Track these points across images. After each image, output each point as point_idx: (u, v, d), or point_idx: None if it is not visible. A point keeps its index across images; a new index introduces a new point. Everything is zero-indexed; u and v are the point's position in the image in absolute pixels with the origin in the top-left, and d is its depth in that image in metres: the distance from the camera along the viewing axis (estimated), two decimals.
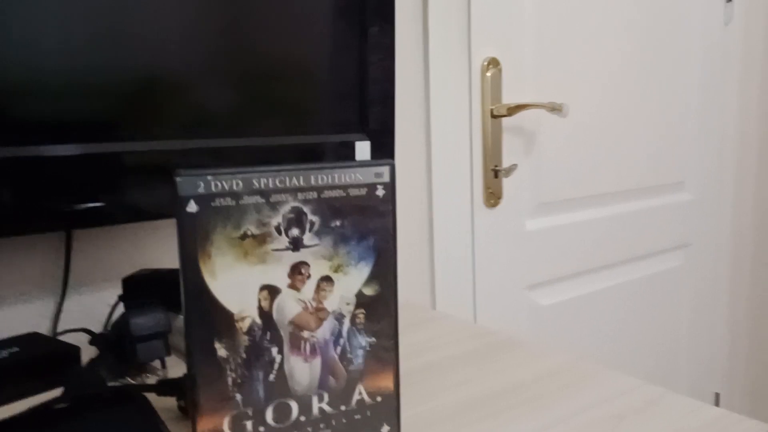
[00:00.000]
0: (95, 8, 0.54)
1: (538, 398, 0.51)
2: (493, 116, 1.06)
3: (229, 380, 0.38)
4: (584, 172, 1.24)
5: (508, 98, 1.09)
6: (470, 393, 0.52)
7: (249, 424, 0.39)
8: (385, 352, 0.43)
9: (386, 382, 0.43)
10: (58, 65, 0.53)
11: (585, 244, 1.26)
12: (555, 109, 1.04)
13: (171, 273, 0.65)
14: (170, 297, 0.61)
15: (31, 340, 0.62)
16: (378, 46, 0.74)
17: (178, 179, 0.35)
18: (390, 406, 0.44)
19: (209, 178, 0.36)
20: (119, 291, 0.72)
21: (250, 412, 0.39)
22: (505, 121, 1.09)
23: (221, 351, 0.38)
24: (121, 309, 0.68)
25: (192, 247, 0.36)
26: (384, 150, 0.77)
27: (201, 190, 0.36)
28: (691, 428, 0.45)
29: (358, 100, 0.73)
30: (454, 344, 0.63)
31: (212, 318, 0.37)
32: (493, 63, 1.06)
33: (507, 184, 1.11)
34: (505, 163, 1.10)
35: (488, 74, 1.05)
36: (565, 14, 1.16)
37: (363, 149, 0.75)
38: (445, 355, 0.60)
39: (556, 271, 1.23)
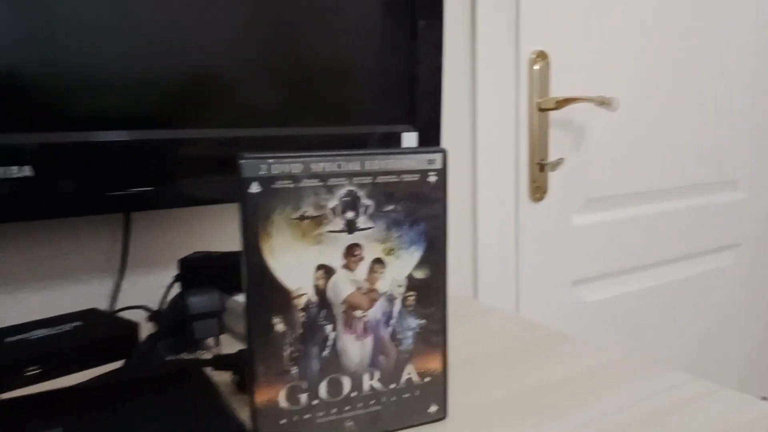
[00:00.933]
0: (153, 8, 0.56)
1: (586, 392, 0.51)
2: (541, 110, 1.06)
3: (286, 354, 0.40)
4: (634, 168, 1.22)
5: (556, 92, 1.08)
6: (517, 384, 0.52)
7: (304, 397, 0.41)
8: (434, 334, 0.44)
9: (435, 364, 0.45)
10: (121, 61, 0.55)
11: (633, 241, 1.25)
12: (604, 102, 1.03)
13: (224, 256, 0.68)
14: (223, 279, 0.63)
15: (92, 315, 0.65)
16: (426, 40, 0.75)
17: (242, 162, 0.37)
18: (438, 388, 0.45)
19: (271, 161, 0.38)
20: (174, 272, 0.75)
21: (304, 385, 0.41)
22: (553, 115, 1.09)
23: (279, 326, 0.39)
24: (177, 289, 0.71)
25: (254, 226, 0.38)
26: (430, 142, 0.78)
27: (263, 172, 0.38)
28: (741, 423, 0.45)
29: (406, 93, 0.74)
30: (501, 337, 0.64)
31: (271, 294, 0.39)
32: (541, 56, 1.06)
33: (553, 178, 1.11)
34: (552, 157, 1.10)
35: (536, 67, 1.05)
36: (617, 6, 1.14)
37: (409, 141, 0.76)
38: (493, 347, 0.61)
39: (603, 267, 1.22)
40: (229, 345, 0.62)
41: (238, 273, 0.61)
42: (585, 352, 0.59)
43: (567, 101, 1.05)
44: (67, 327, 0.61)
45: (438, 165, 0.42)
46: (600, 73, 1.14)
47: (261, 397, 0.40)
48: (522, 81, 1.05)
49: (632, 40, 1.17)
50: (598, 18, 1.12)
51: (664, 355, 1.36)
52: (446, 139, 0.99)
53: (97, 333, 0.60)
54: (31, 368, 0.54)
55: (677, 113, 1.27)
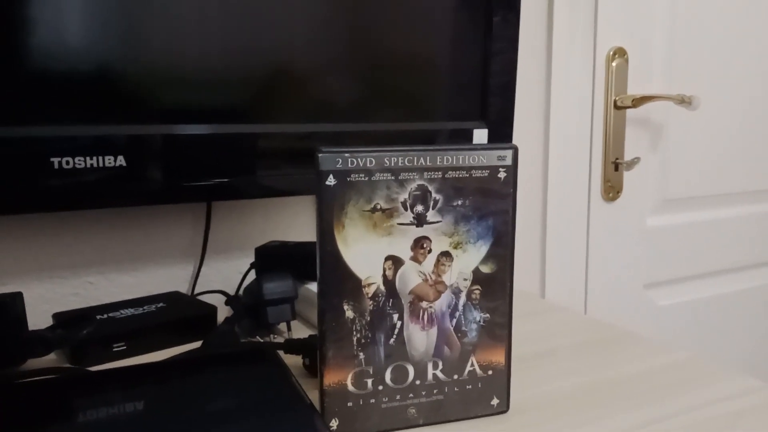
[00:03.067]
0: (234, 7, 0.59)
1: (652, 391, 0.50)
2: (617, 107, 1.04)
3: (354, 340, 0.42)
4: (713, 169, 1.18)
5: (634, 89, 1.06)
6: (581, 381, 0.53)
7: (369, 382, 0.43)
8: (499, 328, 0.45)
9: (498, 357, 0.46)
10: (205, 58, 0.58)
11: (711, 245, 1.21)
12: (684, 101, 1.00)
13: (298, 246, 0.70)
14: (297, 267, 0.66)
15: (174, 297, 0.69)
16: (502, 35, 0.75)
17: (319, 155, 0.39)
18: (501, 381, 0.46)
19: (347, 155, 0.39)
20: (250, 260, 0.79)
21: (371, 370, 0.42)
22: (630, 113, 1.07)
23: (349, 312, 0.41)
24: (252, 276, 0.74)
25: (329, 216, 0.40)
26: (501, 139, 0.78)
27: (339, 165, 0.40)
28: None
29: (478, 90, 0.75)
30: (567, 335, 0.64)
31: (342, 281, 0.41)
32: (620, 53, 1.03)
33: (628, 177, 1.09)
34: (628, 156, 1.07)
35: (614, 64, 1.03)
36: (698, 2, 1.10)
37: (481, 137, 0.76)
38: (558, 344, 0.61)
39: (677, 271, 1.18)
40: (300, 330, 0.65)
41: (311, 262, 0.64)
42: (653, 352, 0.58)
43: (645, 99, 1.03)
44: (152, 307, 0.65)
45: (508, 161, 0.43)
46: (680, 70, 1.11)
47: (330, 379, 0.42)
48: (599, 78, 1.03)
49: (714, 37, 1.13)
50: (679, 14, 1.09)
51: (737, 364, 1.31)
52: (518, 136, 0.98)
53: (178, 314, 0.64)
54: (118, 344, 0.59)
55: (759, 113, 1.22)
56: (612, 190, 1.07)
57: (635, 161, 1.05)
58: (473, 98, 0.75)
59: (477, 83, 0.74)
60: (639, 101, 1.03)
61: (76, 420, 0.39)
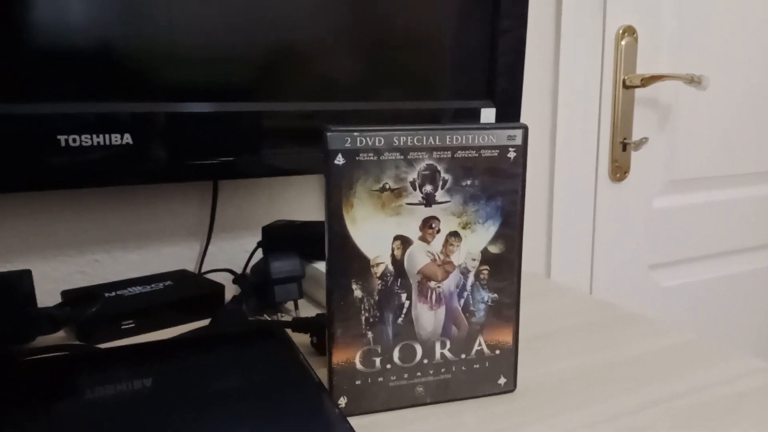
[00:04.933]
0: None
1: (657, 371, 0.51)
2: (626, 87, 1.03)
3: (363, 319, 0.42)
4: (722, 150, 1.17)
5: (643, 68, 1.05)
6: (586, 361, 0.53)
7: (378, 361, 0.43)
8: (507, 308, 0.45)
9: (506, 337, 0.46)
10: (209, 36, 0.58)
11: (717, 226, 1.20)
12: (693, 81, 0.99)
13: (304, 225, 0.70)
14: (303, 246, 0.66)
15: (181, 276, 0.69)
16: (510, 14, 0.74)
17: (328, 134, 0.39)
18: (508, 360, 0.46)
19: (356, 134, 0.39)
20: (256, 239, 0.79)
21: (379, 349, 0.43)
22: (638, 93, 1.06)
23: (357, 292, 0.41)
24: (259, 255, 0.74)
25: (337, 196, 0.40)
26: (509, 118, 0.77)
27: (348, 144, 0.39)
28: None
29: (486, 69, 0.74)
30: (573, 315, 0.64)
31: (351, 261, 0.41)
32: (629, 31, 1.02)
33: (636, 158, 1.08)
34: (636, 136, 1.07)
35: (623, 43, 1.02)
36: None
37: (488, 116, 0.76)
38: (564, 324, 0.61)
39: (683, 252, 1.18)
40: (307, 309, 0.65)
41: (318, 241, 0.64)
42: (658, 333, 0.58)
43: (654, 78, 1.02)
44: (160, 285, 0.65)
45: (518, 141, 0.43)
46: (689, 50, 1.09)
47: (338, 357, 0.42)
48: (607, 57, 1.02)
49: (724, 16, 1.12)
50: None
51: (742, 346, 1.31)
52: (525, 114, 0.98)
53: (186, 292, 0.64)
54: (126, 322, 0.59)
55: None
56: (619, 170, 1.06)
57: (643, 141, 1.05)
58: (481, 77, 0.74)
59: (485, 62, 0.74)
60: (648, 80, 1.02)
61: (84, 396, 0.39)
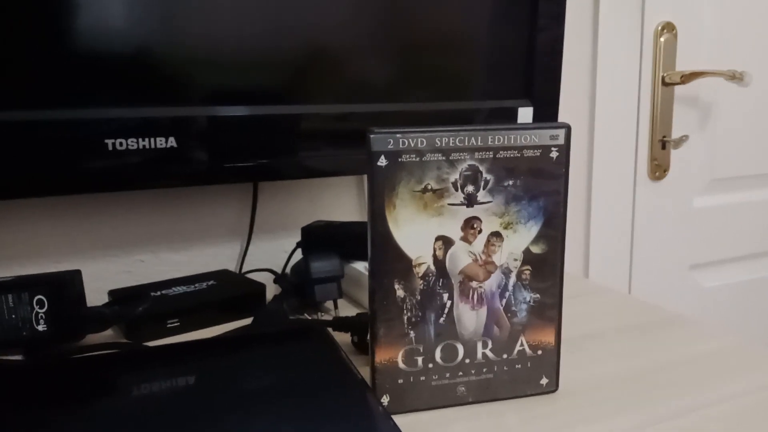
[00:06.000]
0: None
1: (700, 375, 0.50)
2: (665, 84, 1.02)
3: (405, 318, 0.42)
4: (764, 148, 1.14)
5: (683, 65, 1.03)
6: (629, 364, 0.52)
7: (420, 360, 0.43)
8: (549, 309, 0.45)
9: (548, 338, 0.46)
10: (249, 41, 0.59)
11: (758, 226, 1.17)
12: (735, 77, 0.97)
13: (343, 225, 0.71)
14: (342, 246, 0.67)
15: (224, 275, 0.71)
16: (547, 12, 0.73)
17: (371, 136, 0.39)
18: (550, 361, 0.46)
19: (398, 136, 0.40)
20: (295, 239, 0.80)
21: (421, 348, 0.43)
22: (678, 90, 1.04)
23: (400, 291, 0.42)
24: (298, 255, 0.75)
25: (380, 197, 0.40)
26: (547, 116, 0.77)
27: (390, 146, 0.40)
28: None
29: (523, 67, 0.74)
30: (614, 316, 0.63)
31: (393, 261, 0.41)
32: (668, 28, 1.01)
33: (675, 156, 1.06)
34: (675, 134, 1.05)
35: (662, 39, 1.00)
36: None
37: (526, 116, 0.75)
38: (606, 326, 0.61)
39: (724, 252, 1.16)
40: (346, 309, 0.66)
41: (356, 241, 0.65)
42: (702, 336, 0.57)
43: (694, 75, 1.00)
44: (203, 285, 0.67)
45: (561, 141, 0.43)
46: (730, 46, 1.07)
47: (381, 356, 0.43)
48: (646, 53, 1.00)
49: (764, 11, 1.09)
50: None
51: None
52: (563, 113, 0.97)
53: (228, 292, 0.65)
54: (171, 321, 0.60)
55: None
56: (659, 168, 1.04)
57: (683, 139, 1.03)
58: (518, 76, 0.74)
59: (522, 61, 0.73)
60: (688, 77, 1.00)
61: (133, 394, 0.41)
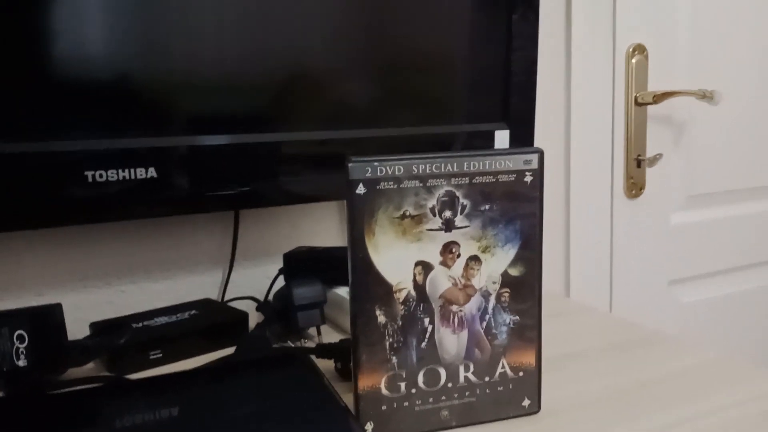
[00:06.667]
0: (247, 12, 0.60)
1: (681, 392, 0.51)
2: (638, 104, 1.04)
3: (387, 344, 0.43)
4: (737, 164, 1.17)
5: (655, 86, 1.06)
6: (610, 382, 0.53)
7: (403, 385, 0.43)
8: (529, 330, 0.46)
9: (528, 359, 0.46)
10: (225, 70, 0.60)
11: (734, 241, 1.20)
12: (705, 96, 0.99)
13: (325, 251, 0.71)
14: (324, 272, 0.67)
15: (206, 305, 0.71)
16: (521, 35, 0.75)
17: (350, 165, 0.40)
18: (531, 382, 0.46)
19: (376, 164, 0.40)
20: (278, 265, 0.80)
21: (404, 374, 0.43)
22: (651, 109, 1.06)
23: (381, 317, 0.42)
24: (280, 282, 0.76)
25: (360, 224, 0.41)
26: (523, 138, 0.78)
27: (369, 174, 0.40)
28: None
29: (499, 90, 0.75)
30: (595, 335, 0.64)
31: (374, 287, 0.42)
32: (639, 49, 1.03)
33: (651, 174, 1.08)
34: (650, 153, 1.07)
35: (633, 60, 1.03)
36: None
37: (502, 138, 0.77)
38: (587, 345, 0.61)
39: (702, 267, 1.17)
40: (330, 335, 0.66)
41: (339, 267, 0.65)
42: (682, 353, 0.58)
43: (666, 95, 1.02)
44: (185, 315, 0.67)
45: (534, 165, 0.44)
46: (700, 66, 1.10)
47: (364, 383, 0.43)
48: (619, 75, 1.03)
49: (734, 31, 1.12)
50: (698, 8, 1.08)
51: (764, 360, 1.29)
52: (539, 134, 0.99)
53: (211, 321, 0.65)
54: (154, 352, 0.60)
55: None
56: (635, 187, 1.06)
57: (657, 158, 1.05)
58: (494, 99, 0.75)
59: (497, 84, 0.75)
60: (660, 97, 1.02)
61: (116, 427, 0.40)
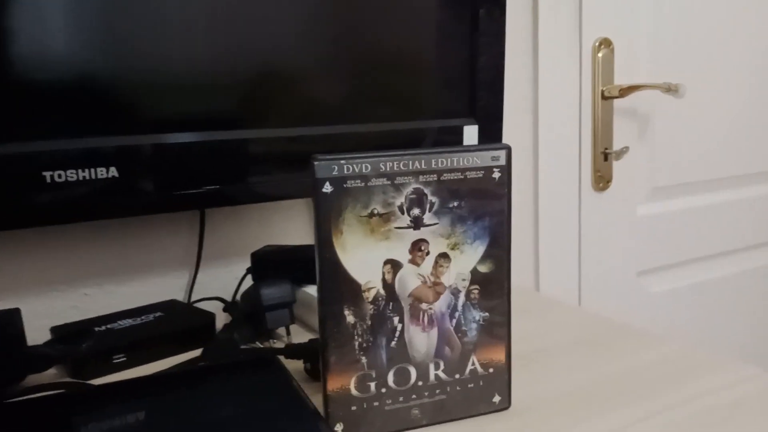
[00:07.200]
0: (213, 8, 0.59)
1: (651, 384, 0.51)
2: (604, 98, 1.05)
3: (356, 344, 0.42)
4: (701, 156, 1.19)
5: (621, 80, 1.07)
6: (580, 376, 0.53)
7: (373, 385, 0.43)
8: (498, 327, 0.46)
9: (498, 355, 0.46)
10: (192, 66, 0.58)
11: (702, 230, 1.22)
12: (670, 89, 1.00)
13: (294, 249, 0.70)
14: (293, 271, 0.66)
15: (171, 306, 0.69)
16: (488, 31, 0.75)
17: (316, 163, 0.39)
18: (502, 378, 0.46)
19: (342, 162, 0.40)
20: (246, 265, 0.79)
21: (373, 374, 0.43)
22: (617, 103, 1.07)
23: (350, 317, 0.42)
24: (248, 281, 0.74)
25: (326, 224, 0.40)
26: (492, 134, 0.78)
27: (335, 172, 0.40)
28: None
29: (466, 86, 0.75)
30: (564, 330, 0.65)
31: (342, 287, 0.41)
32: (605, 43, 1.04)
33: (618, 167, 1.09)
34: (616, 146, 1.08)
35: (599, 55, 1.04)
36: None
37: (471, 134, 0.77)
38: (556, 340, 0.62)
39: (669, 257, 1.19)
40: (299, 334, 0.65)
41: (307, 265, 0.64)
42: (650, 344, 0.59)
43: (632, 89, 1.03)
44: (150, 317, 0.65)
45: (502, 161, 0.43)
46: (666, 60, 1.11)
47: (333, 384, 0.42)
48: (585, 69, 1.03)
49: (699, 25, 1.14)
50: (664, 3, 1.09)
51: (732, 348, 1.32)
52: (507, 129, 0.99)
53: (177, 323, 0.64)
54: (117, 356, 0.59)
55: (745, 99, 1.23)
56: (602, 180, 1.07)
57: (624, 150, 1.06)
58: (462, 95, 0.75)
59: (465, 79, 0.74)
60: (626, 91, 1.03)
61: None
